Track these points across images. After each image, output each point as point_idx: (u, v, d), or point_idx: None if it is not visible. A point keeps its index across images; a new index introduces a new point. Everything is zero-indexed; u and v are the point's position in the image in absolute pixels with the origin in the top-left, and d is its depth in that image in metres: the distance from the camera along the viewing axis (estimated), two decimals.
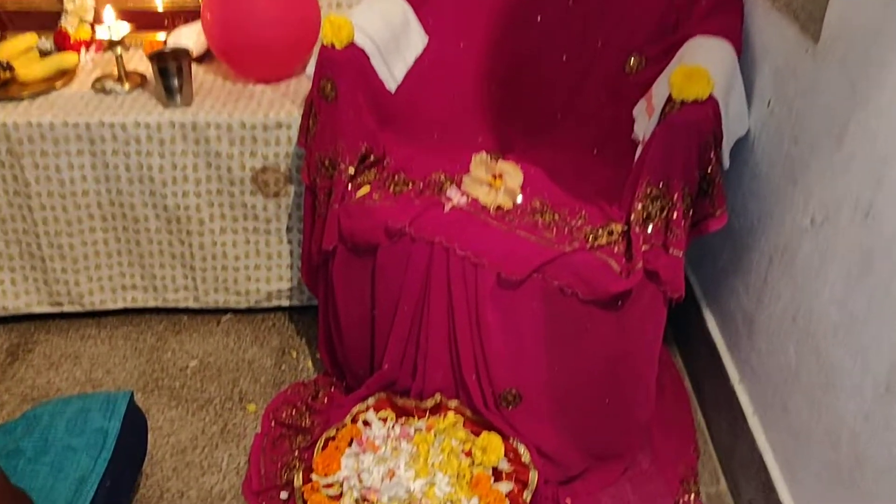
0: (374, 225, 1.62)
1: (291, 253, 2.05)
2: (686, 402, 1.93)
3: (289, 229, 2.01)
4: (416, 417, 1.70)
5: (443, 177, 1.73)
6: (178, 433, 1.86)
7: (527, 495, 1.58)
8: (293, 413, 1.87)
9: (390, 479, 1.55)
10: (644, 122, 1.67)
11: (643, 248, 1.51)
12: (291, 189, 1.95)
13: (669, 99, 1.51)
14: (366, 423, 1.70)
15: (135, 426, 1.60)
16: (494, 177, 1.70)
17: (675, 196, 1.50)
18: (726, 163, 1.58)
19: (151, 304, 2.11)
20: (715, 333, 1.87)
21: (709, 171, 1.53)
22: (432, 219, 1.61)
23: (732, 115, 1.61)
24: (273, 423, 1.86)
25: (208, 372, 2.02)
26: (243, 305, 2.12)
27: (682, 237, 1.52)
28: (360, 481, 1.56)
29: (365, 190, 1.70)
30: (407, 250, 1.60)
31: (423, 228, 1.59)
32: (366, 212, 1.65)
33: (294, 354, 2.07)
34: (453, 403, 1.70)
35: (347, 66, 1.67)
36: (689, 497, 1.72)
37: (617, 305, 1.53)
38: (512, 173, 1.71)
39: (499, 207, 1.65)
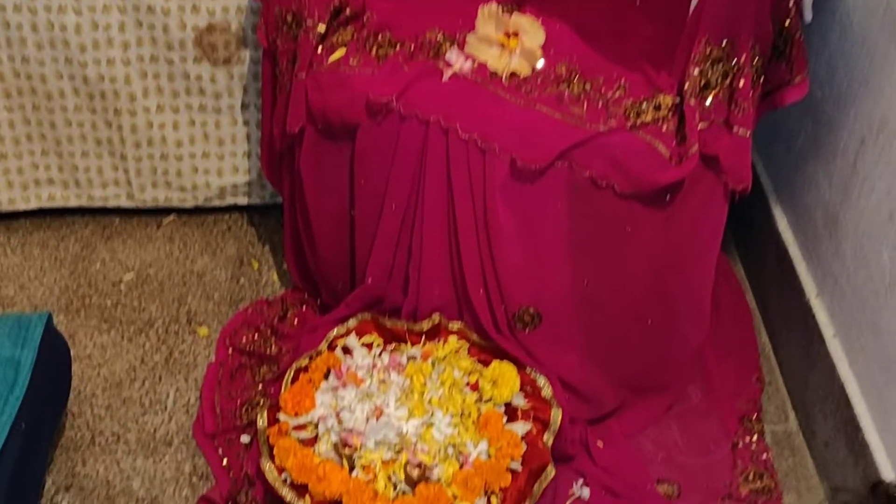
0: (351, 99, 1.58)
1: (249, 137, 2.02)
2: (748, 321, 1.93)
3: (244, 106, 1.98)
4: (408, 343, 1.69)
5: (440, 36, 1.68)
6: (112, 363, 1.86)
7: (548, 438, 1.58)
8: (255, 338, 1.87)
9: (377, 420, 1.54)
10: None
11: (699, 127, 1.48)
12: (246, 54, 1.91)
13: None
14: (346, 351, 1.69)
15: (54, 356, 1.60)
16: (507, 35, 1.64)
17: (742, 58, 1.48)
18: (808, 15, 1.54)
19: (74, 203, 2.09)
20: (787, 236, 1.86)
21: (786, 25, 1.50)
22: (427, 90, 1.57)
23: None
24: (230, 351, 1.85)
25: (148, 287, 2.01)
26: (189, 204, 2.11)
27: (751, 112, 1.49)
28: (340, 422, 1.55)
29: (339, 53, 1.65)
30: (394, 132, 1.57)
31: (414, 103, 1.56)
32: (341, 82, 1.61)
33: (255, 265, 2.07)
34: (455, 325, 1.69)
35: None
36: (751, 438, 1.73)
37: (665, 200, 1.52)
38: (530, 30, 1.65)
39: (513, 75, 1.61)
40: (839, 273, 1.66)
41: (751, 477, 1.67)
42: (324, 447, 1.53)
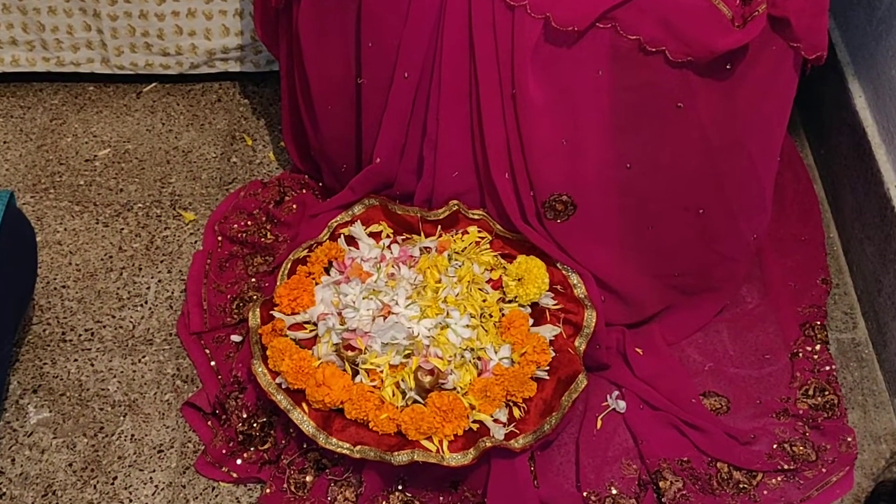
0: None
1: None
2: (816, 214, 1.92)
3: None
4: (421, 234, 1.69)
5: None
6: (86, 250, 1.86)
7: (580, 343, 1.57)
8: (248, 224, 1.87)
9: (384, 319, 1.54)
10: None
11: None
12: None
13: None
14: (350, 241, 1.69)
15: (16, 240, 1.58)
16: None
17: None
18: None
19: (41, 68, 2.08)
20: (864, 115, 1.83)
21: None
22: None
23: None
24: (220, 239, 1.86)
25: (126, 165, 2.00)
26: (174, 71, 2.10)
27: None
28: (342, 321, 1.55)
29: None
30: None
31: None
32: None
33: (249, 142, 2.05)
34: (476, 214, 1.68)
35: None
36: (813, 347, 1.72)
37: (725, 70, 1.49)
38: None
39: None
40: None
41: (811, 391, 1.66)
42: (324, 349, 1.53)
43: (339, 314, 1.56)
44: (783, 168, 1.90)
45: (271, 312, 1.57)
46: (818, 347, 1.71)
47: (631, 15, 1.45)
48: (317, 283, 1.61)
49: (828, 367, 1.68)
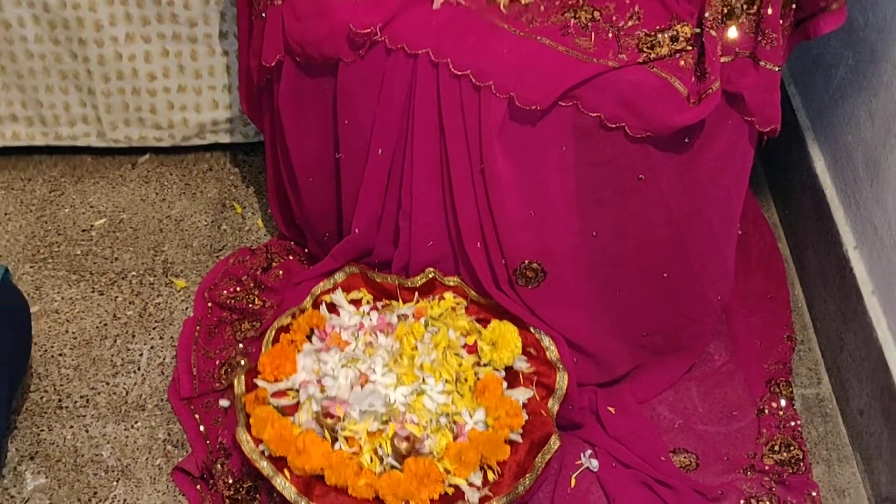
0: (332, 29, 1.54)
1: (228, 69, 1.99)
2: (781, 272, 1.91)
3: (222, 34, 1.94)
4: (399, 300, 1.68)
5: None
6: (81, 318, 1.85)
7: (553, 404, 1.56)
8: (237, 290, 1.86)
9: (362, 387, 1.53)
10: None
11: (722, 61, 1.44)
12: None
13: None
14: (332, 308, 1.68)
15: (11, 313, 1.59)
16: None
17: None
18: None
19: (40, 141, 2.08)
20: (824, 178, 1.83)
21: None
22: (416, 20, 1.53)
23: None
24: (210, 305, 1.85)
25: (121, 234, 1.99)
26: (167, 143, 2.09)
27: (780, 44, 1.45)
28: (322, 389, 1.54)
29: None
30: (380, 67, 1.54)
31: (402, 34, 1.52)
32: (321, 9, 1.56)
33: (238, 210, 2.05)
34: (451, 281, 1.67)
35: None
36: (778, 404, 1.70)
37: (683, 144, 1.49)
38: None
39: (513, 1, 1.56)
40: (880, 223, 1.62)
41: (777, 447, 1.64)
42: (304, 416, 1.51)
43: (319, 382, 1.54)
44: (749, 228, 1.89)
45: (255, 381, 1.56)
46: (784, 403, 1.69)
47: (591, 94, 1.45)
48: (299, 351, 1.59)
49: (793, 423, 1.66)
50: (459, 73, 1.49)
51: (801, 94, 1.96)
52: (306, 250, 1.90)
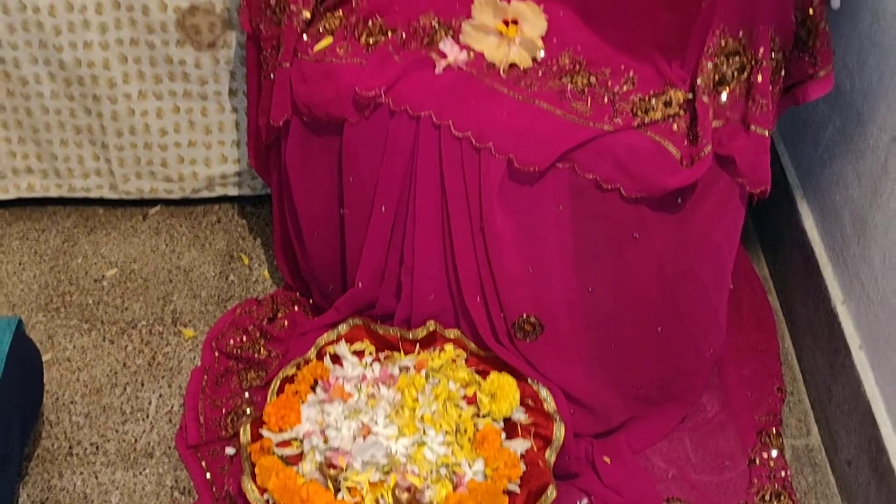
0: (338, 92, 1.56)
1: (237, 125, 2.00)
2: (771, 326, 1.91)
3: (232, 92, 1.95)
4: (401, 352, 1.69)
5: (435, 22, 1.65)
6: (92, 367, 1.86)
7: (550, 455, 1.56)
8: (243, 340, 1.87)
9: (364, 439, 1.53)
10: None
11: (714, 125, 1.46)
12: (233, 37, 1.88)
13: None
14: (335, 359, 1.69)
15: (24, 363, 1.59)
16: (506, 23, 1.61)
17: (761, 50, 1.45)
18: (836, 1, 1.48)
19: (54, 193, 2.09)
20: (813, 235, 1.83)
21: (810, 13, 1.45)
22: (419, 83, 1.55)
23: None
24: (217, 354, 1.85)
25: (131, 284, 2.01)
26: (176, 195, 2.10)
27: (770, 109, 1.46)
28: (325, 440, 1.54)
29: (326, 42, 1.63)
30: (384, 128, 1.56)
31: (405, 97, 1.54)
32: (327, 73, 1.59)
33: (245, 261, 2.06)
34: (452, 333, 1.68)
35: None
36: (769, 454, 1.71)
37: (676, 204, 1.50)
38: (531, 18, 1.62)
39: (512, 66, 1.59)
40: (867, 279, 1.63)
41: (768, 496, 1.66)
42: (308, 467, 1.52)
43: (323, 433, 1.55)
44: (741, 282, 1.90)
45: (260, 431, 1.57)
46: (774, 454, 1.70)
47: (587, 156, 1.47)
48: (303, 402, 1.60)
49: (783, 473, 1.67)
50: (460, 134, 1.50)
51: (790, 153, 1.97)
52: (311, 301, 1.91)
